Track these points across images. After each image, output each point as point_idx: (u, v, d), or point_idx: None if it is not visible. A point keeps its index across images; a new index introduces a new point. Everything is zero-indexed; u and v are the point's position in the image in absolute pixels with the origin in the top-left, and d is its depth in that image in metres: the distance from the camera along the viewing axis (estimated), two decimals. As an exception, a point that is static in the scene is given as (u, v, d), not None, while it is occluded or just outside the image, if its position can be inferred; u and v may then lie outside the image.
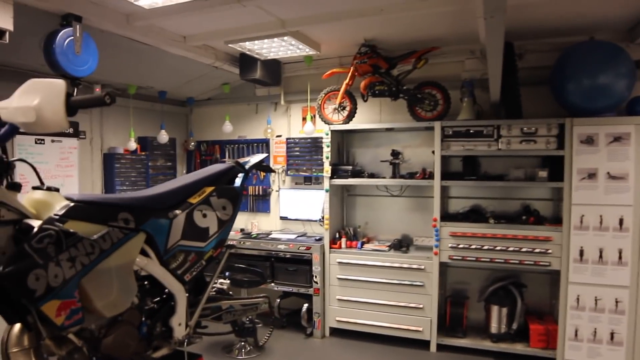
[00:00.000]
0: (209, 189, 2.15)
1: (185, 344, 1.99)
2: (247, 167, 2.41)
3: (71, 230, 1.51)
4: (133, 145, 4.99)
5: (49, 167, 4.33)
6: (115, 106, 5.05)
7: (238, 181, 2.36)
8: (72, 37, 3.19)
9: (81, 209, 1.60)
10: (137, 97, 5.20)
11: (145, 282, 1.94)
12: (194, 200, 2.08)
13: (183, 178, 2.19)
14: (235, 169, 2.35)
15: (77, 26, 3.22)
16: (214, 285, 2.51)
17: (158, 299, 2.00)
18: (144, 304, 1.91)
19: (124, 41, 3.83)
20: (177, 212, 1.99)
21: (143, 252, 1.85)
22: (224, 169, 2.30)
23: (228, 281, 2.60)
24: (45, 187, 1.61)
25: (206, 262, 2.09)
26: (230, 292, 2.57)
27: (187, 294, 2.01)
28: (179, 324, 1.98)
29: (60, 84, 1.44)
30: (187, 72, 4.96)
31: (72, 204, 1.58)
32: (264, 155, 2.65)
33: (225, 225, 2.18)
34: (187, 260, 2.01)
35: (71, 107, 1.45)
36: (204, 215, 2.09)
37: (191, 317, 2.08)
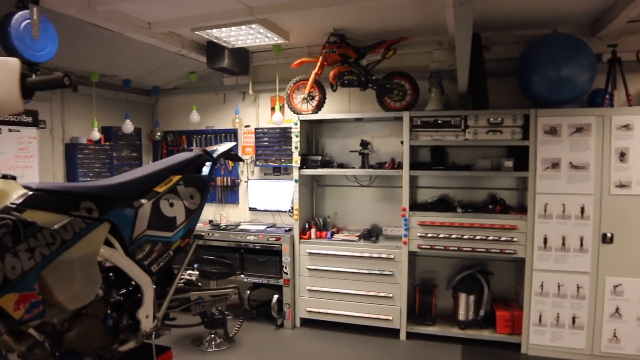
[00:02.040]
0: (175, 178, 2.10)
1: (153, 336, 1.94)
2: (214, 155, 2.37)
3: (29, 220, 1.43)
4: (96, 135, 4.83)
5: (7, 157, 4.14)
6: (77, 94, 4.89)
7: (206, 170, 2.31)
8: (29, 20, 3.04)
9: (40, 198, 1.53)
10: (101, 85, 5.03)
11: (111, 274, 1.88)
12: (160, 189, 2.03)
13: (149, 166, 2.12)
14: (202, 157, 2.30)
15: (35, 9, 3.06)
16: (182, 276, 2.47)
17: (124, 290, 1.94)
18: (109, 296, 1.85)
19: (85, 26, 3.68)
20: (143, 201, 1.94)
21: (108, 243, 1.80)
22: (191, 157, 2.25)
23: (197, 272, 2.56)
24: (0, 175, 1.53)
25: (174, 253, 2.05)
26: (199, 284, 2.53)
27: (154, 286, 1.96)
28: (146, 316, 1.93)
29: (14, 62, 1.36)
30: (153, 60, 4.82)
31: (30, 193, 1.51)
32: (233, 144, 2.60)
33: (193, 214, 2.13)
34: (154, 251, 1.96)
35: (27, 89, 1.37)
36: (171, 205, 2.04)
37: (159, 309, 2.03)
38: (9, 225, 1.37)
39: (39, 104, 4.46)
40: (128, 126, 5.15)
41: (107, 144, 5.12)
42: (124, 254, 1.84)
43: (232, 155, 2.67)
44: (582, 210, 3.92)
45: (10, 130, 4.19)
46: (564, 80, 3.94)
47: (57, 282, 1.51)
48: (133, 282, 1.92)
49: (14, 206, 1.44)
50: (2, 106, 1.36)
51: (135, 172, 2.04)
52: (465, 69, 3.65)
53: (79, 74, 4.74)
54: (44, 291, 1.48)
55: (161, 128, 5.78)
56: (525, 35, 4.31)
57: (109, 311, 1.83)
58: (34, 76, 1.46)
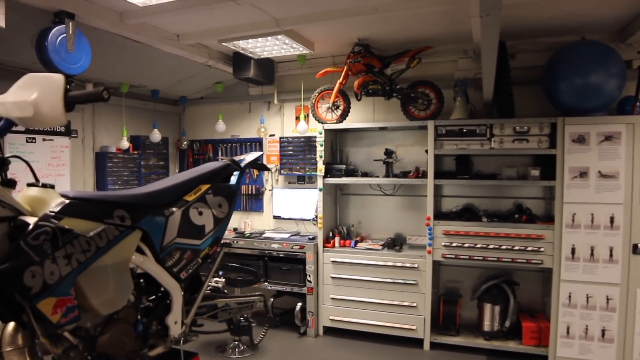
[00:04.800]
0: (204, 187, 2.15)
1: (181, 342, 1.98)
2: (242, 165, 2.41)
3: (67, 227, 1.49)
4: (125, 144, 4.96)
5: (41, 165, 4.29)
6: (108, 105, 5.04)
7: (234, 179, 2.36)
8: (65, 35, 3.17)
9: (77, 206, 1.59)
10: (130, 95, 5.17)
11: (141, 280, 1.93)
12: (189, 197, 2.07)
13: (178, 176, 2.18)
14: (230, 167, 2.35)
15: (70, 23, 3.19)
16: (209, 283, 2.51)
17: (154, 297, 2.00)
18: (140, 301, 1.90)
19: (116, 39, 3.81)
20: (174, 209, 1.99)
21: (139, 250, 1.85)
22: (220, 166, 2.30)
23: (223, 279, 2.60)
24: (40, 184, 1.60)
25: (202, 260, 2.09)
26: (226, 291, 2.57)
27: (182, 292, 2.01)
28: (174, 322, 1.97)
29: (58, 78, 1.42)
30: (180, 71, 4.94)
31: (67, 201, 1.57)
32: (259, 153, 2.64)
33: (221, 223, 2.17)
34: (183, 258, 2.00)
35: (69, 102, 1.44)
36: (200, 213, 2.08)
37: (187, 315, 2.07)
38: (49, 232, 1.43)
39: (72, 114, 4.58)
40: (156, 135, 5.27)
41: (136, 152, 5.25)
42: (155, 261, 1.89)
43: (259, 165, 2.71)
44: (612, 220, 3.84)
45: (44, 140, 4.35)
46: (592, 88, 3.88)
47: (92, 287, 1.57)
48: (162, 289, 1.97)
49: (53, 214, 1.50)
50: (46, 119, 1.42)
51: (165, 182, 2.09)
52: (491, 78, 3.63)
53: (109, 84, 4.88)
54: (79, 296, 1.53)
55: (188, 137, 5.90)
56: (552, 42, 4.27)
57: (139, 317, 1.87)
58: (74, 90, 1.52)
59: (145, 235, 1.85)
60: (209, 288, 2.47)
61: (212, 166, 2.29)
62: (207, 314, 2.23)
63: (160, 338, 1.98)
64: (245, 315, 2.50)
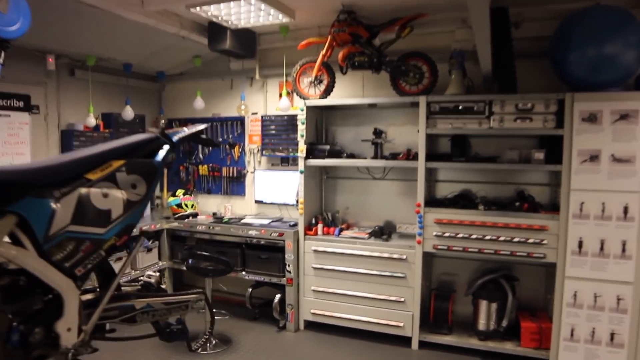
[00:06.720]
0: (117, 163, 1.75)
1: (69, 356, 1.59)
2: (174, 138, 2.01)
3: None
4: (92, 121, 4.58)
5: (-5, 143, 3.94)
6: (75, 79, 4.66)
7: (161, 155, 1.95)
8: (-5, -8, 2.77)
9: None
10: (99, 70, 4.78)
11: (21, 278, 1.55)
12: (93, 176, 1.68)
13: (86, 149, 1.78)
14: (159, 140, 1.94)
15: (0, -22, 2.79)
16: (141, 278, 2.13)
17: (43, 298, 1.61)
18: (17, 305, 1.52)
19: (69, 3, 3.40)
20: (67, 189, 1.60)
21: (16, 240, 1.47)
22: (143, 139, 1.89)
23: (157, 273, 2.22)
24: None
25: (106, 253, 1.70)
26: (162, 286, 2.19)
27: (79, 292, 1.63)
28: (67, 329, 1.59)
29: None
30: (151, 43, 4.53)
31: None
32: (203, 126, 2.23)
33: (135, 207, 1.77)
34: (79, 251, 1.61)
35: None
36: (105, 195, 1.69)
37: (88, 319, 1.69)
38: None
39: (32, 88, 4.24)
40: (128, 113, 4.88)
41: (107, 131, 4.87)
42: (37, 254, 1.51)
43: (202, 140, 2.29)
44: (626, 210, 3.38)
45: (-1, 116, 3.99)
46: (606, 60, 3.38)
47: None
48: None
49: None
50: None
51: (64, 156, 1.71)
52: (486, 45, 3.15)
53: (75, 56, 4.50)
54: None
55: (166, 115, 5.50)
56: (562, 9, 3.76)
57: (15, 324, 1.50)
58: (3, 55, 1.13)
59: (22, 221, 1.48)
60: (140, 283, 2.10)
61: (133, 138, 1.89)
62: (120, 317, 1.85)
63: (50, 348, 1.60)
64: (180, 317, 2.10)
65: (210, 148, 5.36)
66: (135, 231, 1.88)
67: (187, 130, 2.12)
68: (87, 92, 4.67)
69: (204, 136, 2.25)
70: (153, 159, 1.90)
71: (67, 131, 4.57)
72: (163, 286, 2.20)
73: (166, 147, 1.96)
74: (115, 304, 1.81)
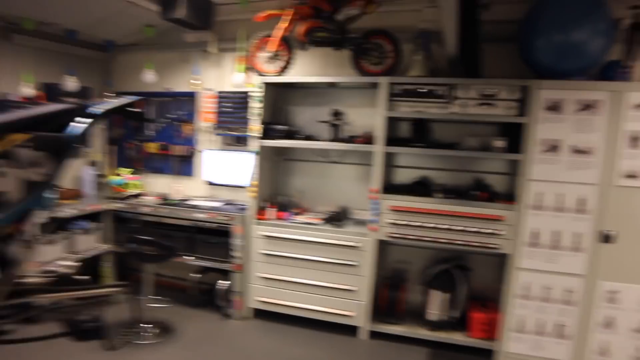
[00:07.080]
0: (19, 137, 1.49)
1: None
2: (96, 110, 1.76)
3: None
4: (27, 91, 4.20)
5: None
6: (10, 44, 4.24)
7: (76, 129, 1.70)
8: None
9: None
10: (39, 35, 4.35)
11: None
12: (-15, 149, 1.43)
13: None
14: (76, 112, 1.69)
15: None
16: (55, 269, 1.89)
17: None
18: None
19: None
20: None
21: None
22: (57, 110, 1.65)
23: (76, 263, 1.97)
24: None
25: (2, 241, 1.46)
26: (87, 279, 1.95)
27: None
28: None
29: None
30: (96, 8, 4.16)
31: None
32: (133, 98, 2.00)
33: (38, 189, 1.53)
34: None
35: None
36: (1, 174, 1.44)
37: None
38: None
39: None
40: (69, 83, 4.50)
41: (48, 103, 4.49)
42: None
43: (128, 113, 2.04)
44: (582, 202, 3.31)
45: None
46: (572, 46, 3.27)
47: None
48: None
49: None
50: None
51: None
52: (453, 25, 2.98)
53: (10, 19, 4.10)
54: None
55: (114, 88, 5.14)
56: (533, -8, 3.62)
57: None
58: None
59: None
60: (54, 275, 1.86)
61: (44, 109, 1.64)
62: (15, 316, 1.60)
63: None
64: (97, 314, 1.87)
65: (152, 123, 5.00)
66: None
67: (113, 103, 1.88)
68: (26, 59, 4.28)
69: (132, 109, 2.01)
70: (65, 132, 1.65)
71: (-1, 101, 4.17)
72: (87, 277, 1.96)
73: (86, 120, 1.71)
74: (11, 301, 1.57)
